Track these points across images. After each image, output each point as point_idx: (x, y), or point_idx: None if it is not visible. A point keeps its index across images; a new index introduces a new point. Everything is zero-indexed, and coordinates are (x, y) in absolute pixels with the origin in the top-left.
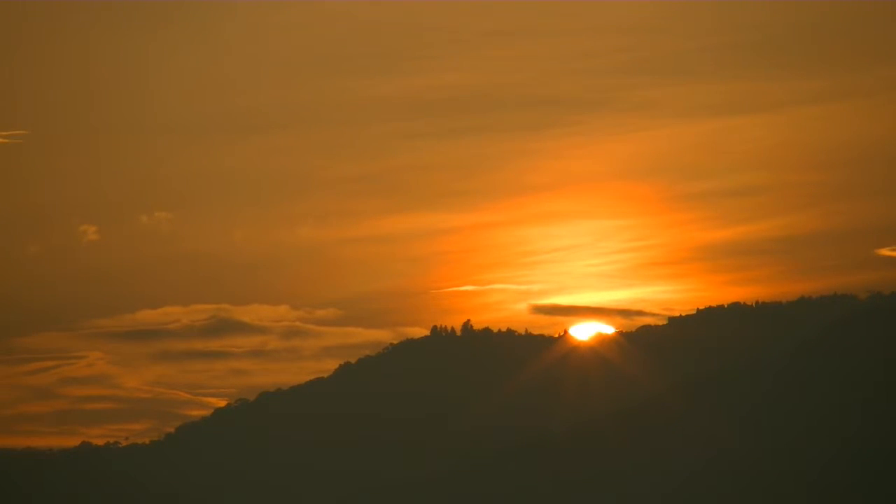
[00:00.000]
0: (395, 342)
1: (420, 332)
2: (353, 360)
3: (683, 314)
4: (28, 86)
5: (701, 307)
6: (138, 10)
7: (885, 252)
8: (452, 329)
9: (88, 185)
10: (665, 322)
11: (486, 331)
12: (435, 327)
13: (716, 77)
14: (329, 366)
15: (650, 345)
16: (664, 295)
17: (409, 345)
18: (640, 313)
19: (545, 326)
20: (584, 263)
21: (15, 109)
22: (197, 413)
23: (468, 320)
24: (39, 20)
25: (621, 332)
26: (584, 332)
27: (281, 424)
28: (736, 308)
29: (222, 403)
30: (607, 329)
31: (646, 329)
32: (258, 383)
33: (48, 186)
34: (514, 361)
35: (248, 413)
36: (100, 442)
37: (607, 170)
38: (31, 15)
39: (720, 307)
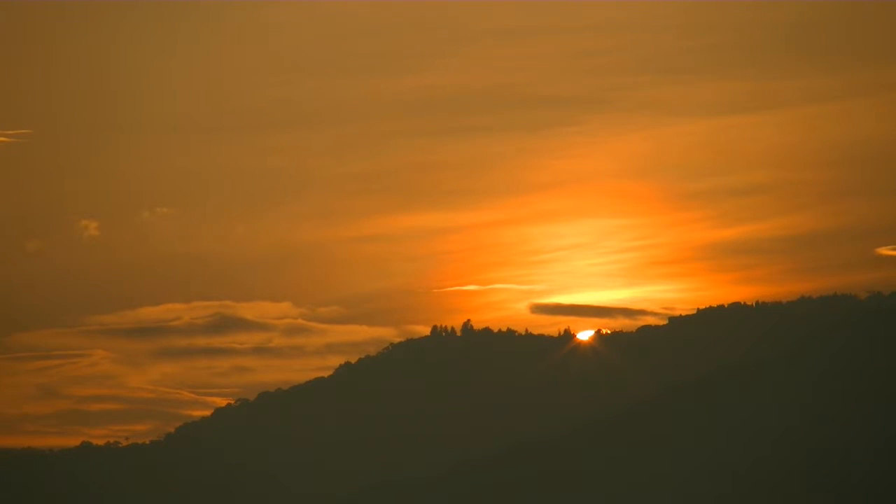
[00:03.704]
0: (397, 340)
1: (423, 330)
2: (353, 360)
3: (684, 314)
4: (31, 85)
5: (701, 307)
6: (140, 10)
7: (885, 252)
8: (452, 329)
9: (90, 182)
10: (666, 322)
11: (487, 331)
12: (435, 327)
13: (718, 76)
14: (332, 363)
15: (650, 345)
16: (666, 294)
17: (409, 344)
18: (642, 312)
19: (547, 326)
20: (587, 263)
21: (18, 109)
22: (199, 413)
23: (468, 320)
24: (41, 20)
25: (621, 332)
26: (584, 331)
27: (281, 424)
28: (736, 308)
29: (225, 403)
30: (607, 329)
31: (646, 329)
32: (262, 381)
33: (50, 184)
34: (514, 361)
35: (248, 413)
36: (100, 442)
37: (610, 169)
38: (33, 15)
39: (720, 307)
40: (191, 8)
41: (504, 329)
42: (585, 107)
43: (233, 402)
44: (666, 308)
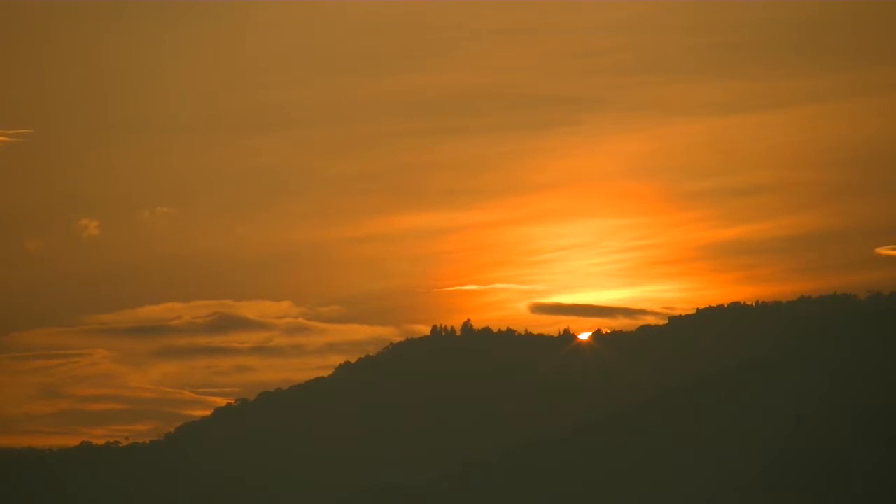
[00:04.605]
0: (397, 340)
1: (423, 330)
2: (353, 360)
3: (684, 314)
4: (31, 85)
5: (701, 307)
6: (140, 10)
7: (885, 252)
8: (452, 329)
9: (90, 181)
10: (666, 322)
11: (486, 330)
12: (435, 327)
13: (719, 76)
14: (333, 362)
15: (650, 345)
16: (667, 294)
17: (409, 344)
18: (642, 312)
19: (547, 325)
20: (587, 262)
21: (18, 109)
22: (199, 413)
23: (468, 320)
24: (41, 20)
25: (621, 332)
26: (583, 331)
27: (281, 424)
28: (736, 308)
29: (225, 403)
30: (607, 329)
31: (646, 329)
32: (262, 380)
33: (50, 184)
34: (514, 361)
35: (247, 413)
36: (100, 442)
37: (610, 168)
38: (33, 15)
39: (720, 307)
40: (192, 8)
41: (504, 329)
42: (586, 106)
43: (233, 402)
44: (666, 308)
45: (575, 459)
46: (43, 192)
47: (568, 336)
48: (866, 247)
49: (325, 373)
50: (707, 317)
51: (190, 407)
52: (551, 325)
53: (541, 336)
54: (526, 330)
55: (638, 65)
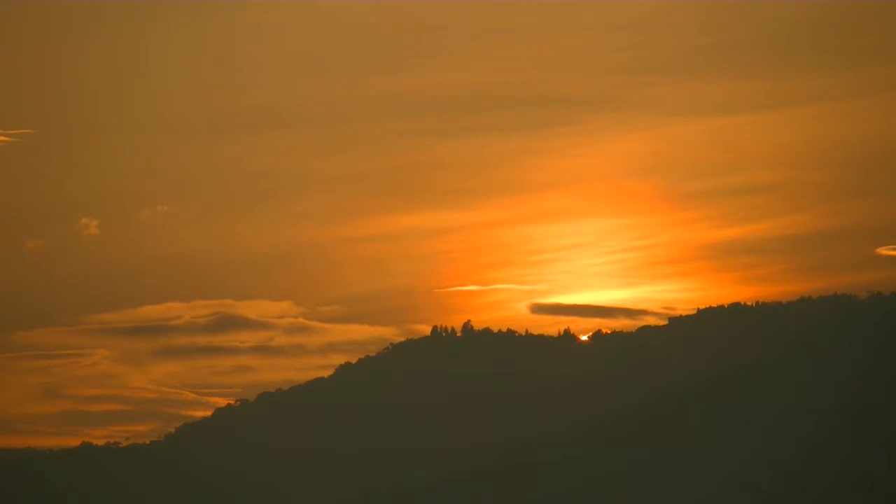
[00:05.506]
0: (397, 340)
1: (423, 330)
2: (353, 360)
3: (684, 314)
4: (32, 85)
5: (702, 307)
6: (140, 9)
7: (885, 252)
8: (453, 329)
9: (90, 180)
10: (666, 322)
11: (487, 331)
12: (435, 327)
13: (719, 76)
14: (333, 362)
15: (650, 345)
16: (667, 294)
17: (409, 345)
18: (642, 312)
19: (547, 326)
20: (588, 262)
21: (19, 109)
22: (200, 413)
23: (468, 320)
24: (41, 20)
25: (621, 332)
26: (584, 331)
27: (281, 425)
28: (736, 308)
29: (225, 403)
30: (607, 329)
31: (646, 329)
32: (263, 380)
33: (51, 183)
34: (514, 362)
35: (248, 413)
36: (100, 442)
37: (611, 168)
38: (33, 15)
39: (720, 307)
40: (192, 7)
41: (504, 329)
42: (586, 106)
43: (233, 402)
44: (666, 308)
45: (575, 460)
46: (43, 192)
47: (568, 336)
48: (866, 247)
49: (326, 373)
50: (707, 317)
51: (190, 407)
52: (551, 326)
53: (541, 336)
54: (526, 330)
55: (639, 65)
